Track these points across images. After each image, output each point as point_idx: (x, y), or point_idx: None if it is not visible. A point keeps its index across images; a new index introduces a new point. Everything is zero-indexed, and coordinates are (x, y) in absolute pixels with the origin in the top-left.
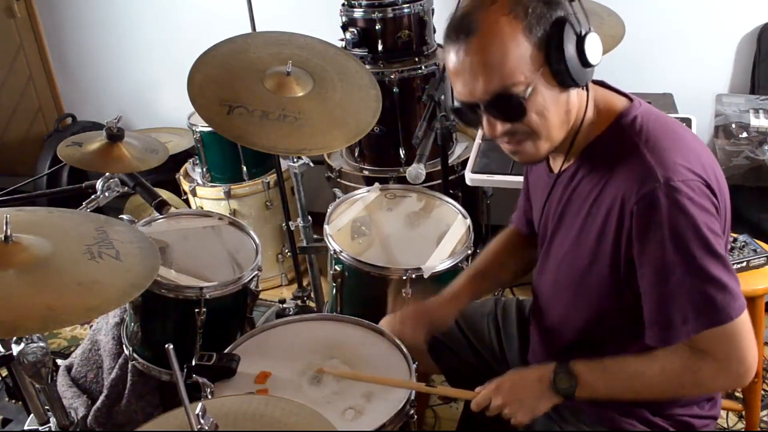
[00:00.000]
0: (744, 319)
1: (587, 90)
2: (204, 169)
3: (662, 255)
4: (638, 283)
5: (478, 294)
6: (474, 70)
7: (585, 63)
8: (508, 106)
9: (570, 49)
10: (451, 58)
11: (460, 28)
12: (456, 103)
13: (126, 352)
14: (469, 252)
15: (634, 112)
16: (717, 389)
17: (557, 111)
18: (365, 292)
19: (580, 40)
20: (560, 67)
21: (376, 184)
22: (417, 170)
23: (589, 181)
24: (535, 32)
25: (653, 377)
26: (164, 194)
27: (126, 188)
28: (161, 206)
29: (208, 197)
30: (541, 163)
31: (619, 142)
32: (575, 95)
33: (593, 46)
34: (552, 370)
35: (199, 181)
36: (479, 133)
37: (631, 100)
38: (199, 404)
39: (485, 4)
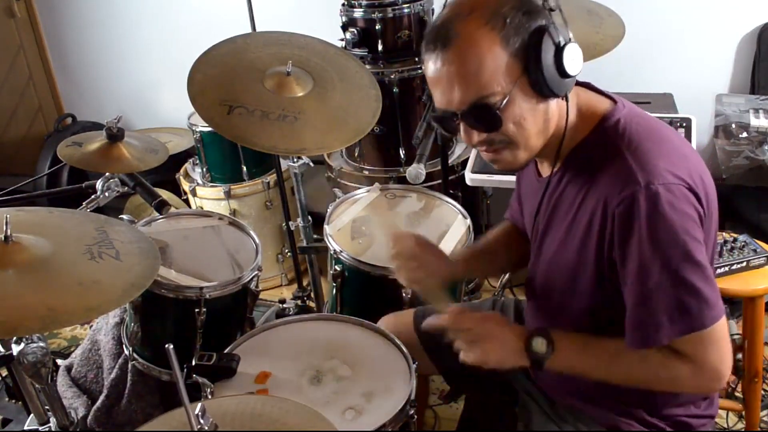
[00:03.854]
0: (719, 327)
1: (566, 99)
2: (204, 169)
3: (640, 258)
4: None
5: (474, 271)
6: (451, 80)
7: (563, 73)
8: (484, 116)
9: (548, 59)
10: (430, 67)
11: (438, 38)
12: (435, 111)
13: (126, 352)
14: None
15: (617, 114)
16: (691, 391)
17: (535, 121)
18: (365, 292)
19: (559, 51)
20: (538, 77)
21: (376, 184)
22: (417, 170)
23: (574, 185)
24: (512, 43)
25: (631, 362)
26: (164, 194)
27: (126, 188)
28: (161, 206)
29: (208, 197)
30: (520, 170)
31: (601, 145)
32: (555, 104)
33: (572, 57)
34: (531, 330)
35: (199, 181)
36: None
37: (615, 102)
38: (199, 404)
39: (463, 13)
